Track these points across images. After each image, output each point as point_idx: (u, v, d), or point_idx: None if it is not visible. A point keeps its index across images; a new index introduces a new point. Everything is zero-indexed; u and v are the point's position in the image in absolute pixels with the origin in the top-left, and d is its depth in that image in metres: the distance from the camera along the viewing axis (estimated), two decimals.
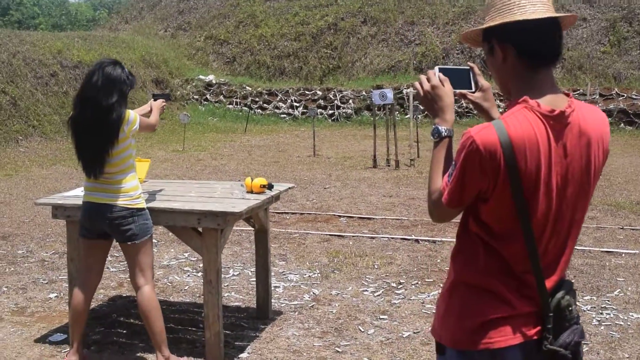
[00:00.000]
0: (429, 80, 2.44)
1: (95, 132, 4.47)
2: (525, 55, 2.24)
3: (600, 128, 2.27)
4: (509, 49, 2.25)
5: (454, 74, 2.48)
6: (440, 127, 2.39)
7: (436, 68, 2.48)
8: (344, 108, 25.50)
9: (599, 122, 2.29)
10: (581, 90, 22.70)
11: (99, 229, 4.64)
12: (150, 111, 5.14)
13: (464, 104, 23.43)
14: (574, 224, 2.29)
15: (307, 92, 26.33)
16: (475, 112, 22.63)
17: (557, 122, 2.18)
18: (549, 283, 2.26)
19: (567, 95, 2.26)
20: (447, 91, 2.42)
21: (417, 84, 2.49)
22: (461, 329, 2.29)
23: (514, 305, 2.24)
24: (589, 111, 2.28)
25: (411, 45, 27.79)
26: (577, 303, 2.33)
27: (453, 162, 2.24)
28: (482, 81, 2.53)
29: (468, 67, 2.53)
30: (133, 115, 4.58)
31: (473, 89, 2.52)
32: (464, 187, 2.20)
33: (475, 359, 2.27)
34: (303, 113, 25.70)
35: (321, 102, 25.83)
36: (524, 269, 2.23)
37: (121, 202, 4.52)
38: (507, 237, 2.22)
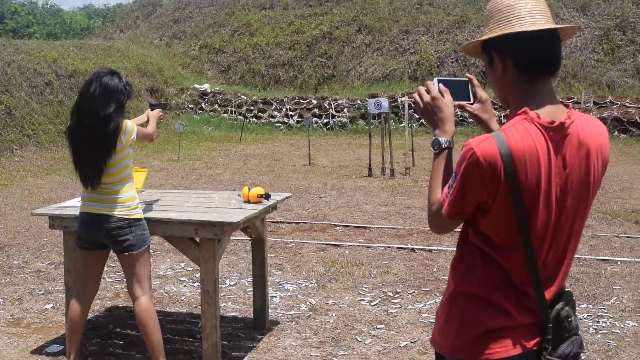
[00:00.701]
0: (428, 91, 2.45)
1: (92, 142, 4.46)
2: (525, 67, 2.24)
3: (599, 139, 2.28)
4: (508, 60, 2.26)
5: (452, 86, 2.48)
6: (440, 139, 2.39)
7: (435, 79, 2.48)
8: (339, 117, 25.53)
9: (598, 133, 2.29)
10: (575, 99, 22.74)
11: (96, 239, 4.63)
12: (148, 121, 5.14)
13: (458, 112, 23.46)
14: (573, 235, 2.30)
15: (302, 101, 26.37)
16: (470, 120, 22.69)
17: (557, 133, 2.18)
18: (549, 294, 2.27)
19: (567, 106, 2.27)
20: (447, 102, 2.42)
21: (416, 95, 2.49)
22: (461, 340, 2.29)
23: (513, 316, 2.24)
24: (588, 122, 2.28)
25: (406, 54, 27.87)
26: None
27: (453, 174, 2.24)
28: (481, 93, 2.54)
29: (467, 79, 2.54)
30: (130, 125, 4.58)
31: (472, 101, 2.52)
32: (464, 198, 2.20)
33: None
34: (298, 122, 25.73)
35: (316, 110, 25.87)
36: (523, 280, 2.24)
37: (118, 212, 4.52)
38: (506, 248, 2.23)
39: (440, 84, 2.45)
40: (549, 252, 2.25)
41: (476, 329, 2.26)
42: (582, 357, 4.92)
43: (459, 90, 2.50)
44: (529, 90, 2.26)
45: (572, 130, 2.21)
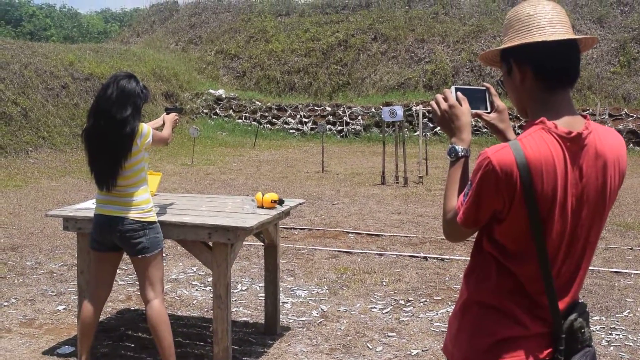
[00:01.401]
0: (445, 99, 2.45)
1: (109, 145, 4.47)
2: (544, 77, 2.23)
3: (616, 150, 2.27)
4: (527, 70, 2.24)
5: (470, 94, 2.47)
6: (457, 147, 2.38)
7: (453, 87, 2.48)
8: (353, 124, 25.53)
9: (616, 145, 2.28)
10: (590, 110, 22.67)
11: (110, 241, 4.64)
12: (163, 125, 5.15)
13: (473, 122, 23.41)
14: (588, 246, 2.28)
15: (316, 108, 26.39)
16: (485, 130, 22.65)
17: (574, 144, 2.17)
18: (562, 304, 2.25)
19: (585, 117, 2.26)
20: (465, 111, 2.42)
21: (433, 103, 2.49)
22: (473, 348, 2.28)
23: (526, 326, 2.23)
24: (605, 133, 2.27)
25: (421, 62, 27.86)
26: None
27: (469, 182, 2.23)
28: (498, 102, 2.53)
29: (484, 88, 2.53)
30: (146, 129, 4.59)
31: (489, 110, 2.52)
32: (480, 207, 2.20)
33: None
34: (312, 129, 25.75)
35: (330, 118, 25.88)
36: (537, 290, 2.23)
37: (133, 215, 4.53)
38: (521, 257, 2.22)
39: (458, 92, 2.45)
40: (564, 262, 2.24)
41: (489, 338, 2.25)
42: None
43: (477, 99, 2.50)
44: (547, 100, 2.25)
45: (589, 141, 2.20)
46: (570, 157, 2.16)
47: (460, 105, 2.42)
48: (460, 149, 2.38)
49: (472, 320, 2.32)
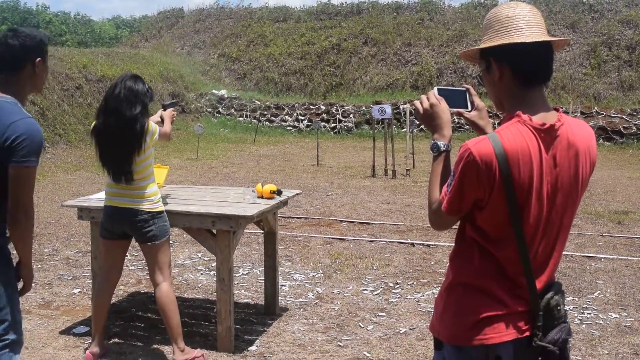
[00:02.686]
0: (428, 99, 2.44)
1: (120, 141, 4.44)
2: (521, 75, 2.23)
3: (587, 141, 2.28)
4: (505, 68, 2.24)
5: (451, 94, 2.48)
6: (439, 142, 2.38)
7: (435, 88, 2.48)
8: (345, 122, 25.50)
9: (586, 135, 2.29)
10: (564, 109, 22.64)
11: (120, 230, 4.63)
12: (162, 120, 5.10)
13: (456, 120, 23.41)
14: (562, 229, 2.29)
15: (311, 107, 26.34)
16: (467, 127, 22.63)
17: (548, 134, 2.18)
18: (539, 284, 2.25)
19: (557, 110, 2.26)
20: (444, 109, 2.41)
21: (417, 103, 2.49)
22: (458, 326, 2.28)
23: (507, 304, 2.23)
24: (576, 125, 2.28)
25: (408, 65, 27.82)
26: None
27: (452, 173, 2.23)
28: (478, 101, 2.53)
29: (465, 88, 2.53)
30: (154, 126, 4.57)
31: (469, 109, 2.51)
32: (462, 195, 2.19)
33: (471, 354, 2.26)
34: (307, 126, 25.71)
35: (324, 116, 25.85)
36: (516, 271, 2.23)
37: (143, 206, 4.51)
38: (501, 241, 2.22)
39: (440, 94, 2.45)
40: (540, 245, 2.24)
41: (473, 316, 2.25)
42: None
43: (458, 99, 2.49)
44: (523, 96, 2.25)
45: (561, 132, 2.20)
46: (545, 147, 2.17)
47: (441, 104, 2.42)
48: (442, 144, 2.38)
49: (457, 300, 2.32)
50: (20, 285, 3.24)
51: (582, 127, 2.30)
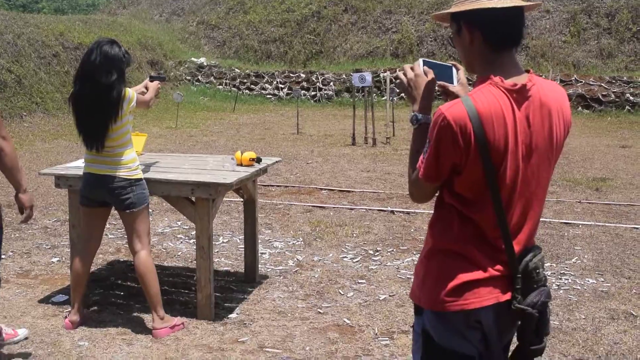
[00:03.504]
0: (413, 69, 2.42)
1: (96, 108, 4.39)
2: (492, 40, 2.23)
3: (559, 101, 2.28)
4: (476, 32, 2.24)
5: (437, 68, 2.45)
6: (418, 115, 2.37)
7: (420, 60, 2.45)
8: (325, 90, 25.38)
9: (558, 96, 2.29)
10: (544, 76, 22.68)
11: (99, 198, 4.59)
12: (147, 90, 5.06)
13: (436, 88, 23.37)
14: (538, 190, 2.29)
15: (291, 75, 26.17)
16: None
17: (520, 95, 2.18)
18: (518, 246, 2.26)
19: (528, 71, 2.27)
20: (427, 80, 2.39)
21: (400, 73, 2.46)
22: (438, 292, 2.28)
23: (487, 269, 2.23)
24: (548, 86, 2.29)
25: (388, 32, 27.65)
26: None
27: (427, 139, 2.22)
28: (462, 76, 2.51)
29: (451, 65, 2.51)
30: (131, 93, 4.52)
31: (455, 84, 2.49)
32: (439, 161, 2.18)
33: (451, 319, 2.26)
34: (287, 94, 25.56)
35: (304, 84, 25.70)
36: (495, 235, 2.23)
37: (121, 173, 4.47)
38: (478, 204, 2.22)
39: (425, 66, 2.42)
40: (517, 206, 2.24)
41: (453, 282, 2.25)
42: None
43: (443, 73, 2.47)
44: (495, 59, 2.25)
45: (533, 92, 2.21)
46: (518, 107, 2.17)
47: (426, 77, 2.40)
48: (421, 117, 2.36)
49: (437, 266, 2.31)
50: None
51: (554, 88, 2.31)
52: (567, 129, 2.32)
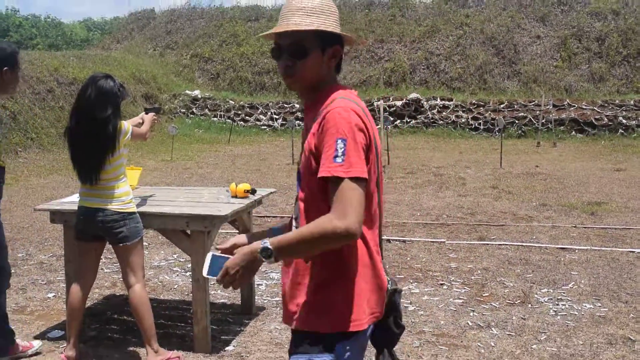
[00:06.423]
0: (228, 273, 2.23)
1: (92, 142, 4.42)
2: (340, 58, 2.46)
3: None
4: (340, 51, 2.45)
5: (214, 261, 2.33)
6: (267, 246, 2.16)
7: (209, 254, 2.36)
8: None
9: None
10: (536, 102, 22.86)
11: (93, 231, 4.59)
12: (142, 122, 5.09)
13: (430, 115, 23.50)
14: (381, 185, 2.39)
15: (285, 105, 26.29)
16: (441, 122, 22.73)
17: (365, 108, 2.31)
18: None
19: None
20: (239, 259, 2.23)
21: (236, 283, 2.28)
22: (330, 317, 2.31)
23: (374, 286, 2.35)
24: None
25: (381, 61, 27.86)
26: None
27: (338, 140, 2.07)
28: (234, 241, 2.59)
29: (227, 256, 2.34)
30: (126, 126, 4.55)
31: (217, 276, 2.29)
32: (360, 155, 2.10)
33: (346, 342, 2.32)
34: (282, 125, 25.66)
35: (299, 114, 25.80)
36: (377, 248, 2.35)
37: (113, 206, 4.48)
38: (374, 216, 2.30)
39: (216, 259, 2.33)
40: (380, 201, 2.36)
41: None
42: (543, 337, 4.94)
43: (215, 266, 2.32)
44: (335, 76, 2.44)
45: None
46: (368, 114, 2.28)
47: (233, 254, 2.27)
48: (269, 245, 2.16)
49: (330, 294, 2.32)
50: None
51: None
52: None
